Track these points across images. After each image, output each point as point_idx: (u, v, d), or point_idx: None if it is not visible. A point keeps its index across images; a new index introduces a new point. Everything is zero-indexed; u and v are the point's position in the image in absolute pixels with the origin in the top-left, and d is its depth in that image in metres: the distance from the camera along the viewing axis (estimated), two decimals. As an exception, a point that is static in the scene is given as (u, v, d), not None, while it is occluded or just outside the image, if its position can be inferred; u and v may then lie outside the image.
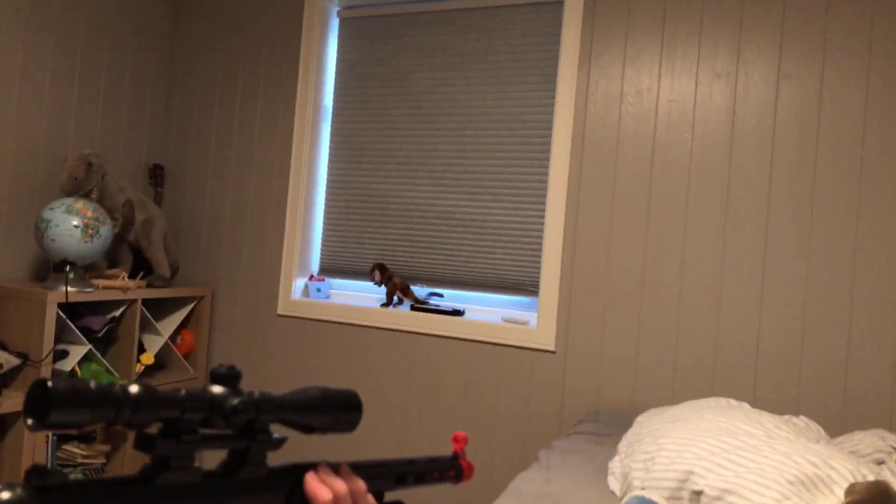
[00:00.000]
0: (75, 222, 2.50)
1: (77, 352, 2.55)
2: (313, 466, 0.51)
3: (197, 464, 0.44)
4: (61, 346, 2.55)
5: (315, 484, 0.49)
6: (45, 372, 2.39)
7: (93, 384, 0.38)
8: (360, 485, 0.52)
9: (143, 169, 3.25)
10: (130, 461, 2.74)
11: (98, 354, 2.64)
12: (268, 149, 3.11)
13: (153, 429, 0.51)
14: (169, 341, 2.99)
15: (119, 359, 2.74)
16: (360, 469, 0.55)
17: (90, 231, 2.53)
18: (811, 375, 2.22)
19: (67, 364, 2.51)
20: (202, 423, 0.44)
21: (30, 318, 2.42)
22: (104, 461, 2.73)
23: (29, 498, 0.36)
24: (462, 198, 2.81)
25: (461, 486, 2.67)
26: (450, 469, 0.62)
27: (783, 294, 2.28)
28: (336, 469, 0.52)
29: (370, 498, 0.53)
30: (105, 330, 2.68)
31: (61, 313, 2.48)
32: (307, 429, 0.51)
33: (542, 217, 2.66)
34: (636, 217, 2.48)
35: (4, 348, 2.42)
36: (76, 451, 2.63)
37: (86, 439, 2.69)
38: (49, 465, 2.46)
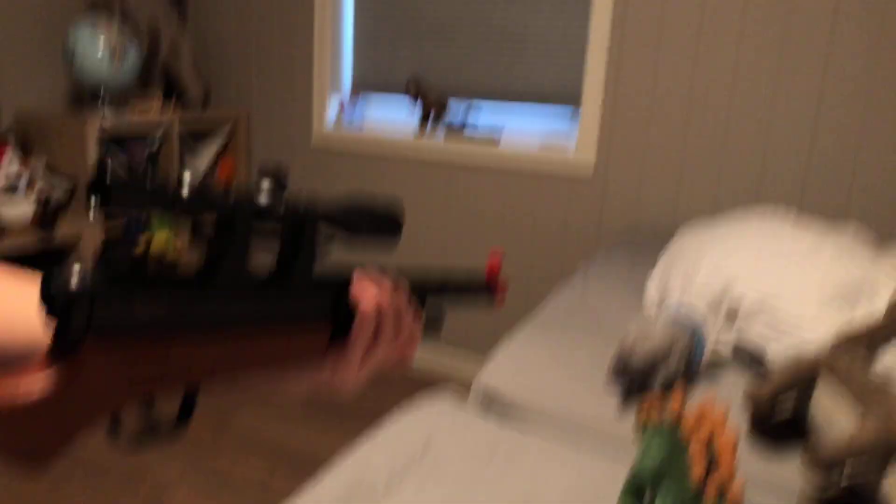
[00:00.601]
0: (101, 45, 2.43)
1: (123, 178, 2.60)
2: (361, 269, 0.52)
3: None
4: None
5: (362, 286, 0.50)
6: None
7: (149, 178, 0.41)
8: (404, 291, 0.53)
9: (162, -15, 3.07)
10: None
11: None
12: (289, -44, 2.89)
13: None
14: (210, 167, 3.01)
15: (165, 184, 2.79)
16: (404, 273, 0.56)
17: (118, 53, 2.46)
18: (864, 181, 2.13)
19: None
20: (254, 218, 0.45)
21: (72, 145, 2.44)
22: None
23: (99, 278, 0.38)
24: (500, 3, 2.61)
25: (498, 315, 2.76)
26: (485, 287, 0.62)
27: (842, 98, 2.12)
28: (383, 272, 0.53)
29: (413, 306, 0.54)
30: (147, 161, 2.71)
31: (103, 141, 2.50)
32: (352, 230, 0.51)
33: (587, 25, 2.46)
34: (688, 22, 2.27)
35: (55, 171, 2.48)
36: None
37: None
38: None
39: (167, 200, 0.41)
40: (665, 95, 2.36)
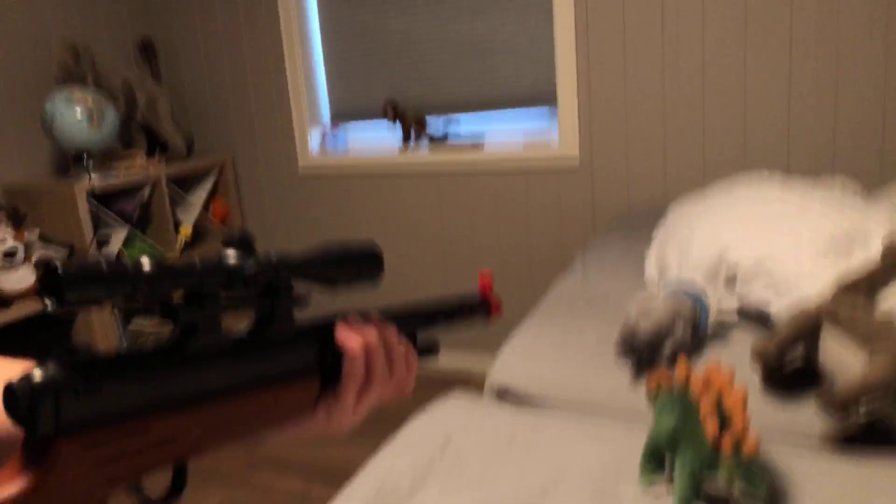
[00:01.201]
0: (79, 111, 2.46)
1: (118, 236, 2.63)
2: (343, 318, 0.51)
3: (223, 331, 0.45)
4: (102, 233, 2.63)
5: (345, 332, 0.49)
6: (92, 258, 2.48)
7: (104, 262, 0.38)
8: (392, 331, 0.52)
9: (132, 46, 3.12)
10: (195, 328, 2.90)
11: (140, 234, 2.72)
12: (253, 5, 2.94)
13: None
14: (203, 210, 3.04)
15: (159, 236, 2.82)
16: (389, 313, 0.55)
17: (96, 117, 2.49)
18: (846, 135, 2.15)
19: (112, 248, 2.60)
20: (223, 288, 0.44)
21: (64, 211, 2.47)
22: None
23: (61, 374, 0.36)
24: (463, 17, 2.65)
25: (504, 296, 2.77)
26: (479, 307, 0.62)
27: (813, 54, 2.15)
28: (365, 317, 0.52)
29: (403, 340, 0.53)
30: (138, 210, 2.73)
31: (93, 200, 2.52)
32: (330, 282, 0.50)
33: (551, 26, 2.50)
34: (650, 4, 2.31)
35: (49, 242, 2.50)
36: (144, 323, 2.80)
37: (148, 312, 2.85)
38: (121, 339, 2.64)
39: (127, 286, 0.38)
40: (638, 80, 2.39)
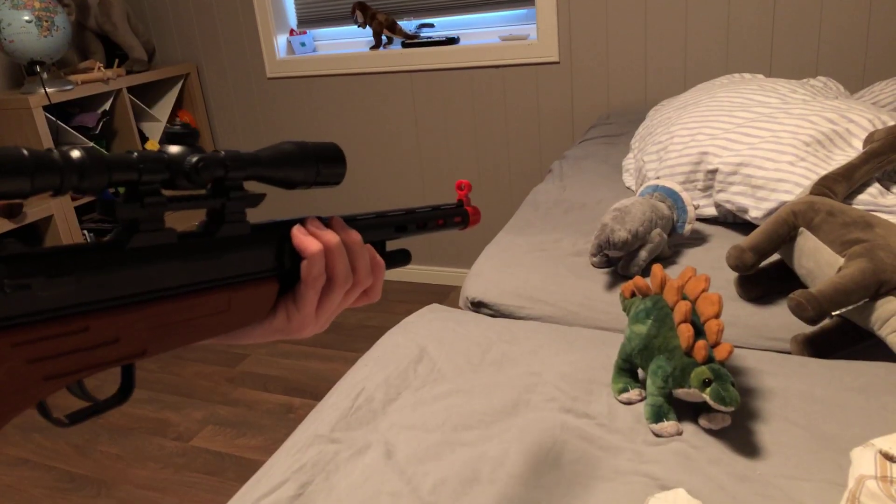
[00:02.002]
0: (26, 17, 2.31)
1: (80, 152, 2.53)
2: (302, 221, 0.49)
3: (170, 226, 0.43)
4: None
5: (302, 236, 0.47)
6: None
7: (27, 151, 0.35)
8: (354, 235, 0.50)
9: (80, -57, 2.90)
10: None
11: (103, 151, 2.62)
12: None
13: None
14: (168, 124, 2.93)
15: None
16: (356, 221, 0.53)
17: (45, 24, 2.34)
18: (830, 36, 2.08)
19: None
20: (167, 185, 0.41)
21: (20, 126, 2.36)
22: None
23: None
24: None
25: (483, 206, 2.75)
26: (455, 216, 0.60)
27: (802, -52, 2.05)
28: (327, 222, 0.50)
29: (368, 248, 0.51)
30: (100, 124, 2.62)
31: (50, 116, 2.41)
32: (287, 184, 0.47)
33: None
34: None
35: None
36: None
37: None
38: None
39: (53, 178, 0.36)
40: (618, -23, 2.27)
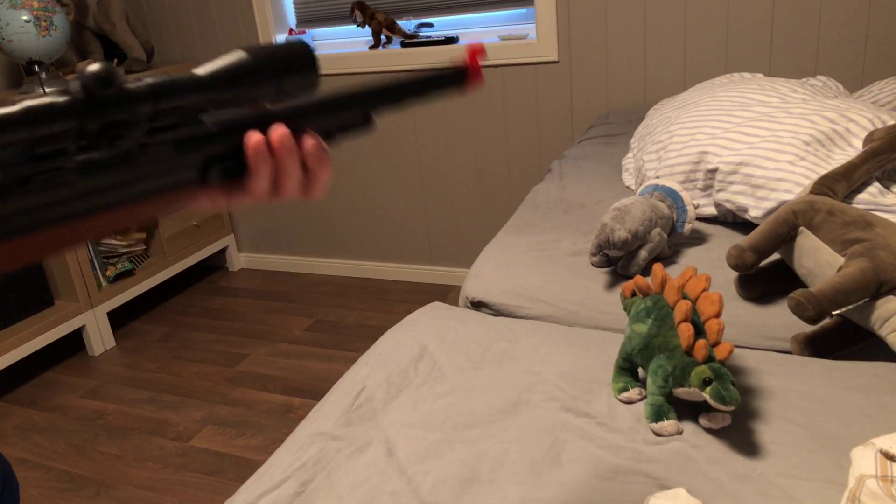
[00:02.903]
0: (25, 17, 2.31)
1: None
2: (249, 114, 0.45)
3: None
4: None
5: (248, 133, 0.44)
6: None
7: None
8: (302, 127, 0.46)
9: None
10: (169, 245, 2.86)
11: None
12: None
13: None
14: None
15: (123, 152, 2.72)
16: (336, 96, 0.47)
17: (44, 23, 2.34)
18: (830, 35, 2.08)
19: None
20: (83, 137, 0.37)
21: (19, 126, 2.35)
22: (144, 247, 2.85)
23: None
24: None
25: (482, 206, 2.75)
26: (454, 76, 0.52)
27: (801, -52, 2.05)
28: (273, 113, 0.46)
29: (314, 138, 0.47)
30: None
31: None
32: (250, 100, 0.43)
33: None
34: None
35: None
36: (115, 242, 2.75)
37: (120, 231, 2.79)
38: (92, 258, 2.59)
39: None
40: (617, -23, 2.27)
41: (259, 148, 0.44)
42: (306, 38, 2.82)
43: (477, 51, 0.53)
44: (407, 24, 2.66)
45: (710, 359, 0.83)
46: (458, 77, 0.52)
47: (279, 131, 0.45)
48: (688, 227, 1.33)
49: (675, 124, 1.61)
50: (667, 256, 1.33)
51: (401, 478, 0.80)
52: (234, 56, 0.41)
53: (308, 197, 0.49)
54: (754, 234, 1.10)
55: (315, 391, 2.21)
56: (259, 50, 0.42)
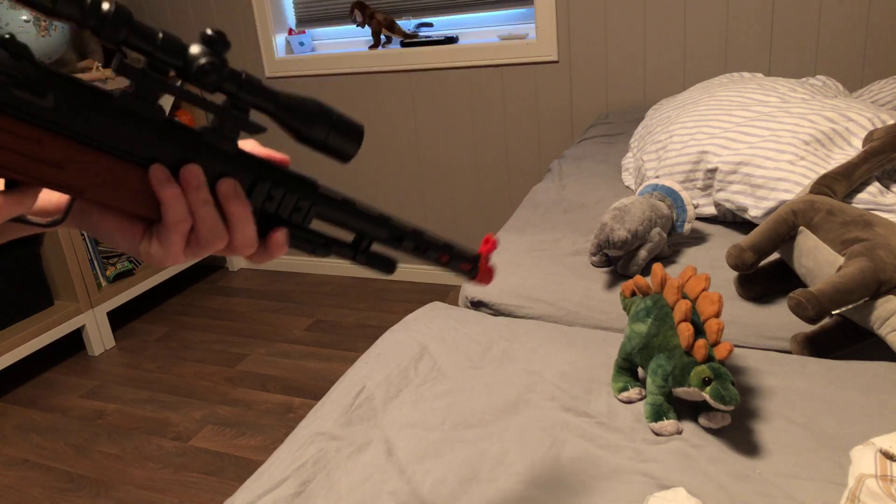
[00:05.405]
0: (24, 17, 2.31)
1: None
2: (267, 167, 0.47)
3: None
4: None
5: (161, 181, 0.44)
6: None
7: None
8: (233, 207, 0.46)
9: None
10: (168, 245, 2.86)
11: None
12: None
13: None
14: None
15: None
16: (352, 206, 0.51)
17: (43, 23, 2.34)
18: (829, 36, 2.08)
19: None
20: (179, 73, 0.43)
21: (18, 126, 2.35)
22: (143, 249, 2.85)
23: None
24: None
25: (482, 205, 2.75)
26: (464, 262, 0.57)
27: (800, -53, 2.05)
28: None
29: (282, 232, 0.48)
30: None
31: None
32: (294, 132, 0.47)
33: None
34: None
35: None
36: (114, 244, 2.75)
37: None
38: (93, 259, 2.59)
39: (76, 14, 0.38)
40: (617, -24, 2.27)
41: (160, 174, 0.44)
42: (306, 37, 2.82)
43: (489, 244, 0.59)
44: (406, 24, 2.66)
45: (709, 358, 0.83)
46: (467, 267, 0.58)
47: (193, 168, 0.45)
48: (687, 226, 1.33)
49: (674, 124, 1.61)
50: (666, 256, 1.33)
51: (400, 477, 0.80)
52: (309, 100, 0.47)
53: (235, 254, 0.49)
54: (754, 234, 1.10)
55: (315, 391, 2.21)
56: (328, 107, 0.48)
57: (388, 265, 0.54)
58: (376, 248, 0.54)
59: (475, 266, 0.58)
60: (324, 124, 0.47)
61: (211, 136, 0.46)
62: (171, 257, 0.46)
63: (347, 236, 0.53)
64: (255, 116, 2.62)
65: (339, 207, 0.52)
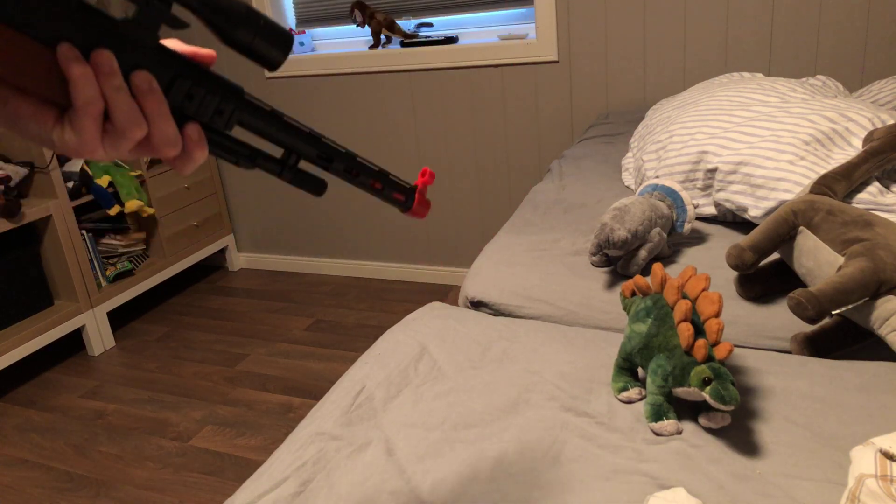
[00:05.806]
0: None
1: (79, 152, 2.52)
2: (189, 66, 0.45)
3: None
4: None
5: (70, 58, 0.42)
6: (55, 177, 2.39)
7: None
8: (147, 89, 0.44)
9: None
10: (168, 244, 2.86)
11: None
12: None
13: None
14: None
15: (123, 151, 2.71)
16: (282, 120, 0.49)
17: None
18: (829, 36, 2.08)
19: (75, 164, 2.50)
20: None
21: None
22: (144, 247, 2.85)
23: None
24: None
25: (482, 205, 2.75)
26: (398, 192, 0.55)
27: (801, -53, 2.05)
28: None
29: (193, 127, 0.46)
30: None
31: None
32: (219, 31, 0.45)
33: None
34: None
35: (8, 161, 2.40)
36: (115, 242, 2.75)
37: (120, 231, 2.79)
38: (92, 257, 2.59)
39: None
40: (617, -24, 2.27)
41: (77, 72, 0.42)
42: (306, 37, 2.82)
43: (426, 177, 0.56)
44: (406, 24, 2.67)
45: (709, 358, 0.83)
46: (400, 197, 0.56)
47: (104, 52, 0.43)
48: (687, 226, 1.33)
49: (674, 124, 1.61)
50: (666, 256, 1.33)
51: (400, 477, 0.80)
52: (239, 1, 0.45)
53: (175, 167, 0.47)
54: (754, 234, 1.10)
55: (315, 391, 2.21)
56: (258, 12, 0.46)
57: (317, 185, 0.52)
58: (306, 167, 0.52)
59: (409, 197, 0.56)
60: (249, 27, 0.46)
61: (129, 27, 0.43)
62: (86, 146, 0.44)
63: (277, 152, 0.51)
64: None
65: (265, 117, 0.49)
